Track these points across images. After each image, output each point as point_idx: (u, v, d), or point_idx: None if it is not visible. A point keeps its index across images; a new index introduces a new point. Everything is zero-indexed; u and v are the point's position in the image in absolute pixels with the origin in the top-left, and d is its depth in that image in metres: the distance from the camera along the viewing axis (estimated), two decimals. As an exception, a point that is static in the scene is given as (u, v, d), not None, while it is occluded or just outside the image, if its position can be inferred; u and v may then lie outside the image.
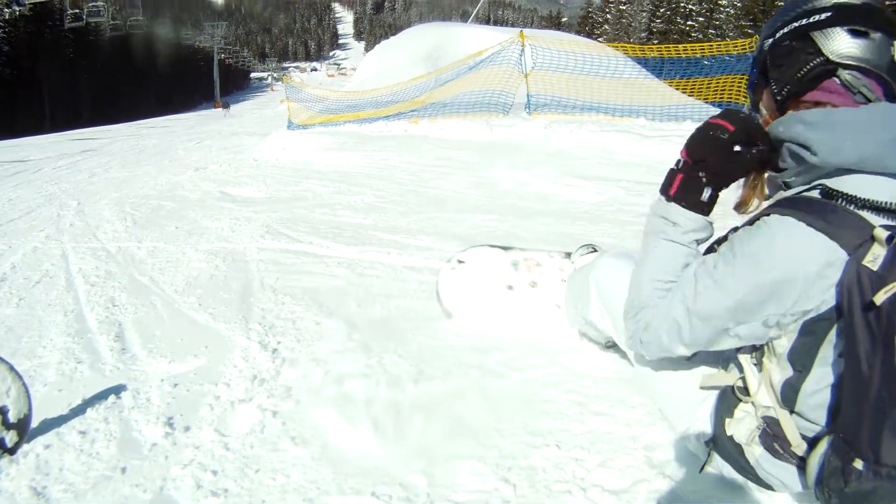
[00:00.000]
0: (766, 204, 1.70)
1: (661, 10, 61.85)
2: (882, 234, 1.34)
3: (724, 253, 1.62)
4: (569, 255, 3.00)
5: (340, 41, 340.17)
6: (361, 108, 16.68)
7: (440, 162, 8.76)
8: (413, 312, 3.36)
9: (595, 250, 2.91)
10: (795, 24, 1.58)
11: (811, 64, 1.54)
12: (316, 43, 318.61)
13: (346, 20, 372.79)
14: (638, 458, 2.06)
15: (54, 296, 4.13)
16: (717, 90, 14.13)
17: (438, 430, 2.30)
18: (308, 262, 4.47)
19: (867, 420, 1.35)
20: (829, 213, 1.44)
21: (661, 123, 11.41)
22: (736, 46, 13.79)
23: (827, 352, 1.49)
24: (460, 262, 3.18)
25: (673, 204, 1.75)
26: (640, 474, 1.97)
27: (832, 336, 1.47)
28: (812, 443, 1.57)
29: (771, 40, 1.65)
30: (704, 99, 14.21)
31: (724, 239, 1.71)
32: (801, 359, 1.54)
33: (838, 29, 1.51)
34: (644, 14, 65.06)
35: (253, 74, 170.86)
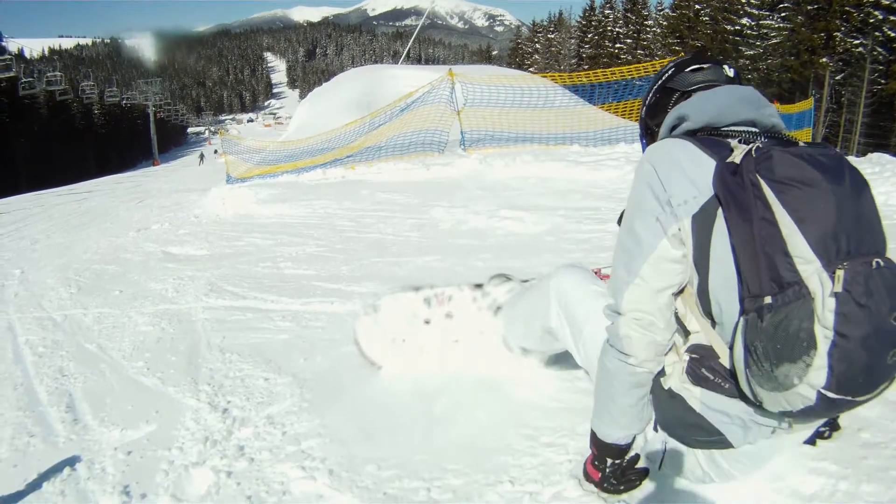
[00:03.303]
0: None
1: (589, 36, 62.80)
2: (738, 143, 1.73)
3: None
4: (479, 286, 3.04)
5: (275, 90, 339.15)
6: (298, 157, 16.71)
7: (380, 206, 8.81)
8: (357, 360, 3.37)
9: (509, 279, 2.97)
10: (655, 87, 2.16)
11: (672, 99, 2.07)
12: (251, 93, 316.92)
13: (279, 69, 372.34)
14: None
15: (3, 369, 4.05)
16: (649, 110, 14.35)
17: (391, 476, 2.34)
18: (253, 318, 4.47)
19: (760, 257, 1.53)
20: (698, 139, 1.79)
21: (595, 148, 11.61)
22: (664, 66, 13.95)
23: (717, 242, 1.66)
24: (375, 308, 3.20)
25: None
26: (596, 502, 2.02)
27: (719, 225, 1.66)
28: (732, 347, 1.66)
29: (644, 108, 2.23)
30: (637, 120, 14.43)
31: None
32: (701, 260, 1.71)
33: (682, 73, 2.07)
34: (572, 41, 66.01)
35: (190, 129, 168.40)
